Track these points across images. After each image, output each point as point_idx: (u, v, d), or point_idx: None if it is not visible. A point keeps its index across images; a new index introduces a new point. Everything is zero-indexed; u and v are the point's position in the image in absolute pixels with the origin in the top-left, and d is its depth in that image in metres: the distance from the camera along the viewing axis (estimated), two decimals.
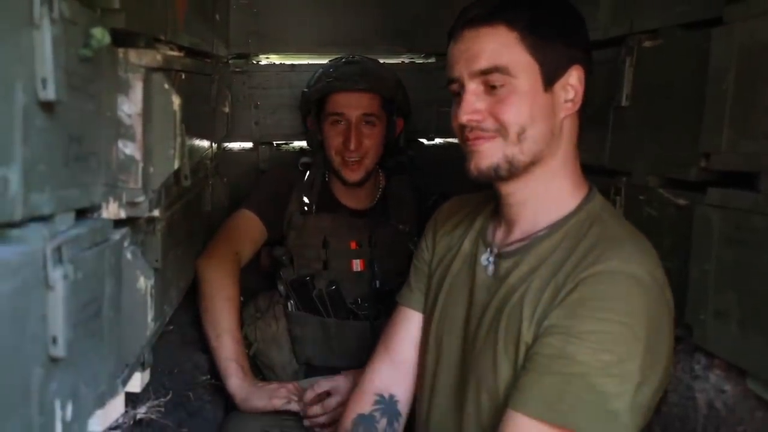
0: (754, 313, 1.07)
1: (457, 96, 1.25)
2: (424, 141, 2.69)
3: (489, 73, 1.20)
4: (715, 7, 1.19)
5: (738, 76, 1.12)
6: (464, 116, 1.22)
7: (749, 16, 1.10)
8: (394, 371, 1.51)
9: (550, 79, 1.20)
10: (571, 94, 1.23)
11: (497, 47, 1.19)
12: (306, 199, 2.18)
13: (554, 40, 1.20)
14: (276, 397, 1.91)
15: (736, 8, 1.13)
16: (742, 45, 1.11)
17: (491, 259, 1.31)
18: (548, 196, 1.26)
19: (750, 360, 1.09)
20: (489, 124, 1.21)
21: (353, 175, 2.14)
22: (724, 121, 1.14)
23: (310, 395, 1.90)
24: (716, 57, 1.17)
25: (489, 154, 1.22)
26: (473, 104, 1.22)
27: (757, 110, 1.07)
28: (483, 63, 1.20)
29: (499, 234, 1.33)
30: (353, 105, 2.11)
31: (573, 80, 1.23)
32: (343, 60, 2.21)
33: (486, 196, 1.42)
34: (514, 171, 1.23)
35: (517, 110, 1.20)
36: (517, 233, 1.29)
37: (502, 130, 1.21)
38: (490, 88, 1.21)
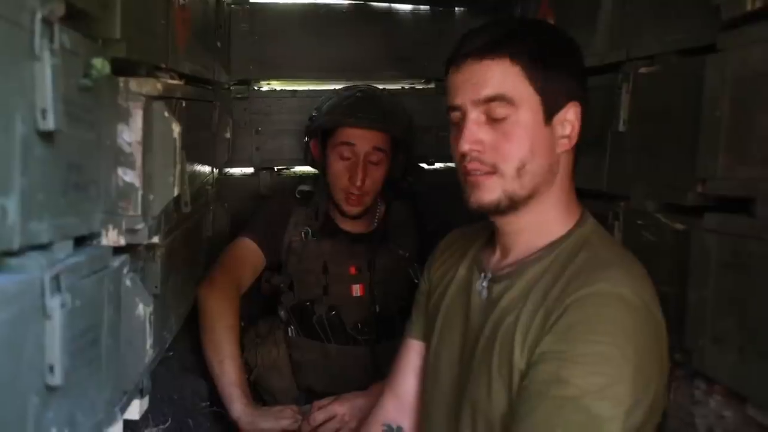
0: (753, 338, 1.07)
1: (457, 125, 1.26)
2: (424, 166, 2.70)
3: (492, 101, 1.19)
4: (710, 35, 1.20)
5: (732, 102, 1.12)
6: (466, 145, 1.21)
7: (743, 43, 1.11)
8: (399, 404, 1.53)
9: (550, 112, 1.21)
10: (567, 130, 1.23)
11: (501, 77, 1.19)
12: (307, 226, 2.18)
13: (556, 72, 1.21)
14: (282, 418, 1.92)
15: (730, 36, 1.14)
16: (735, 72, 1.12)
17: (485, 284, 1.31)
18: (543, 224, 1.27)
19: (750, 386, 1.08)
20: (488, 157, 1.21)
21: (353, 210, 2.14)
22: (719, 147, 1.14)
23: (306, 429, 1.91)
24: (710, 84, 1.18)
25: (490, 190, 1.22)
26: (475, 134, 1.21)
27: (752, 136, 1.07)
28: (487, 91, 1.19)
29: (494, 259, 1.34)
30: (365, 138, 2.10)
31: (570, 116, 1.23)
32: (359, 94, 2.18)
33: (481, 226, 1.43)
34: (514, 205, 1.24)
35: (519, 144, 1.20)
36: (511, 258, 1.29)
37: (500, 166, 1.21)
38: (492, 120, 1.20)
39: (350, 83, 2.32)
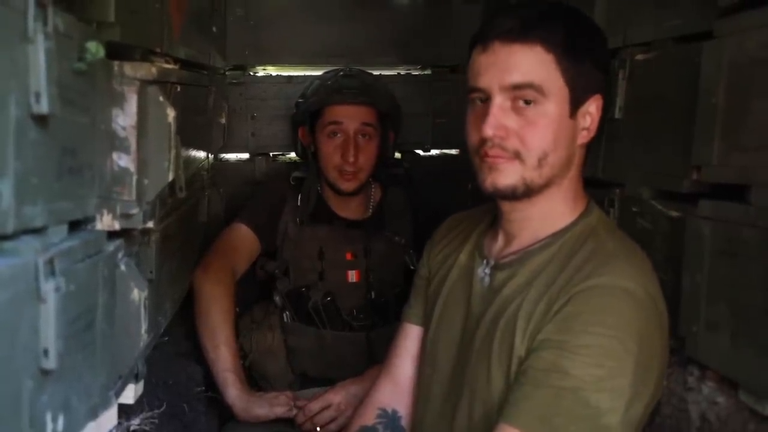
0: (746, 325, 1.08)
1: (475, 106, 1.23)
2: (420, 152, 2.70)
3: (522, 89, 1.17)
4: (707, 21, 1.20)
5: (728, 89, 1.12)
6: (489, 130, 1.18)
7: (739, 30, 1.11)
8: (394, 388, 1.53)
9: (576, 105, 1.19)
10: (588, 122, 1.22)
11: (534, 65, 1.16)
12: (301, 211, 2.18)
13: (585, 64, 1.18)
14: (277, 405, 1.94)
15: (727, 22, 1.14)
16: (732, 59, 1.12)
17: (487, 270, 1.31)
18: (550, 213, 1.26)
19: (742, 372, 1.09)
20: (510, 144, 1.18)
21: (348, 185, 2.14)
22: (714, 134, 1.14)
23: (301, 419, 1.93)
24: (707, 70, 1.18)
25: (508, 174, 1.20)
26: (500, 119, 1.18)
27: (747, 123, 1.08)
28: (518, 77, 1.16)
29: (496, 246, 1.33)
30: (352, 116, 2.11)
31: (592, 109, 1.21)
32: (341, 73, 2.20)
33: (482, 211, 1.43)
34: (529, 193, 1.22)
35: (543, 135, 1.18)
36: (515, 246, 1.29)
37: (522, 154, 1.18)
38: (518, 107, 1.18)
39: None
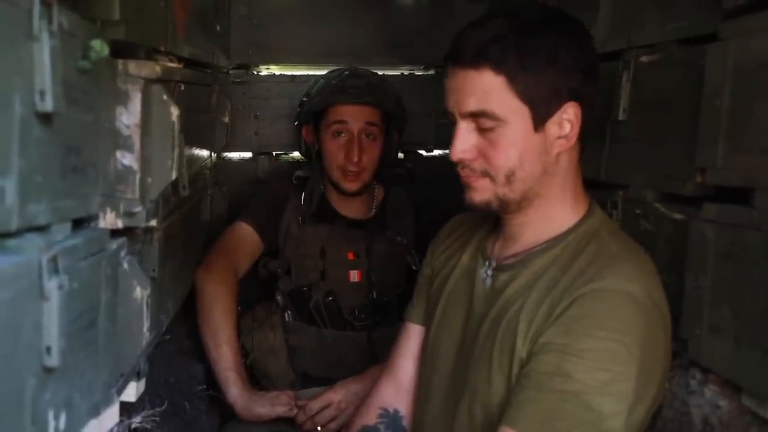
0: (749, 328, 1.07)
1: (454, 125, 1.25)
2: (423, 152, 2.70)
3: (478, 116, 1.18)
4: (711, 24, 1.19)
5: (733, 92, 1.12)
6: (456, 155, 1.22)
7: (744, 33, 1.10)
8: (396, 388, 1.53)
9: (541, 119, 1.18)
10: (566, 130, 1.20)
11: (484, 91, 1.16)
12: (303, 210, 2.19)
13: (545, 76, 1.16)
14: (278, 404, 1.94)
15: (731, 25, 1.14)
16: (736, 61, 1.12)
17: (489, 272, 1.31)
18: (548, 218, 1.26)
19: (745, 376, 1.09)
20: (478, 164, 1.21)
21: (352, 186, 2.15)
22: (719, 137, 1.14)
23: (302, 418, 1.93)
24: (711, 73, 1.18)
25: (480, 191, 1.23)
26: (464, 143, 1.21)
27: (751, 126, 1.08)
28: (471, 106, 1.18)
29: (498, 247, 1.33)
30: (356, 116, 2.12)
31: (568, 116, 1.19)
32: (347, 72, 2.20)
33: (485, 212, 1.43)
34: (506, 207, 1.24)
35: (506, 155, 1.19)
36: (517, 247, 1.29)
37: (490, 172, 1.21)
38: (481, 128, 1.19)
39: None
